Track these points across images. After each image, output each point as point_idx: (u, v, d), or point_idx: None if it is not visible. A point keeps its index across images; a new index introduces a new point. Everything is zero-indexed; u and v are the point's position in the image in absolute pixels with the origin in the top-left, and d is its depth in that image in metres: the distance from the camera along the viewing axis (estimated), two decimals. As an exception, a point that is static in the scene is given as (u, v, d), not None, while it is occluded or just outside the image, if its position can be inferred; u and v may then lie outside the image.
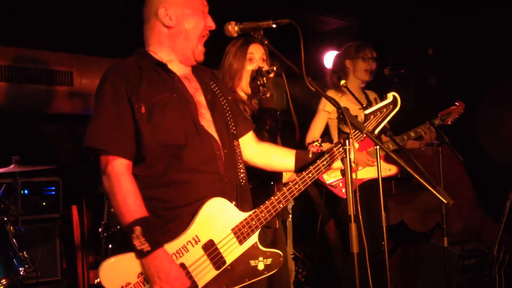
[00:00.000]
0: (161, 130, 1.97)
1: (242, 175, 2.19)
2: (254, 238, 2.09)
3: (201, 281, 1.99)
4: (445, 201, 1.99)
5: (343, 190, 3.53)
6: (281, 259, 2.13)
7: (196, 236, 1.99)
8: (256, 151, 2.35)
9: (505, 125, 4.95)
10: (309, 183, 2.20)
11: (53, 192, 4.66)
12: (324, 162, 2.21)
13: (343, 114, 2.02)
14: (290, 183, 2.17)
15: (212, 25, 2.15)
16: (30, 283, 4.01)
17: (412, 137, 3.74)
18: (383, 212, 2.87)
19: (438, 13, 4.78)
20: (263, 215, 2.09)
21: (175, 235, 1.97)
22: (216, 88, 2.25)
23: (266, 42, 2.03)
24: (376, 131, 2.27)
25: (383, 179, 3.71)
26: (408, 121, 3.94)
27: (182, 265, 1.97)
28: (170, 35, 2.10)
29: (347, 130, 2.01)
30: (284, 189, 2.15)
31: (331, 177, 3.75)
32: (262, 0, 4.39)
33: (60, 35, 4.72)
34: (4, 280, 3.35)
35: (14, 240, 3.54)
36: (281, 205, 2.13)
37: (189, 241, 1.98)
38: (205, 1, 2.16)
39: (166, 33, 2.10)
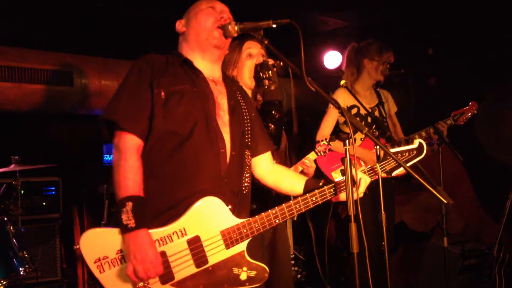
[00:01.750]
0: (172, 117, 2.04)
1: (246, 184, 2.21)
2: (242, 246, 2.08)
3: (179, 274, 1.99)
4: (445, 201, 1.99)
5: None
6: (266, 275, 2.10)
7: (184, 228, 2.00)
8: (269, 171, 2.38)
9: (505, 125, 4.95)
10: (311, 206, 2.17)
11: (53, 192, 4.66)
12: (331, 190, 2.20)
13: (342, 114, 2.02)
14: (291, 201, 2.15)
15: (222, 15, 2.20)
16: (30, 283, 4.01)
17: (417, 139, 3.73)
18: (383, 212, 2.87)
19: (438, 13, 4.78)
20: (256, 225, 2.09)
21: (164, 225, 2.00)
22: (242, 100, 2.32)
23: (266, 42, 2.03)
24: (394, 174, 2.23)
25: (392, 178, 3.73)
26: (408, 121, 3.94)
27: (163, 253, 1.98)
28: (186, 38, 2.24)
29: (347, 130, 2.01)
30: (284, 205, 2.14)
31: (340, 175, 3.73)
32: (263, 0, 4.38)
33: (60, 35, 4.72)
34: (4, 280, 3.35)
35: (14, 240, 3.54)
36: (277, 221, 2.12)
37: (175, 232, 1.99)
38: (214, 4, 2.25)
39: (183, 39, 2.26)
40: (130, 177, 1.96)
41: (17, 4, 4.31)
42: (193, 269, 2.01)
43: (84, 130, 4.99)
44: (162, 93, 2.04)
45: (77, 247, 1.95)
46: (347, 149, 2.02)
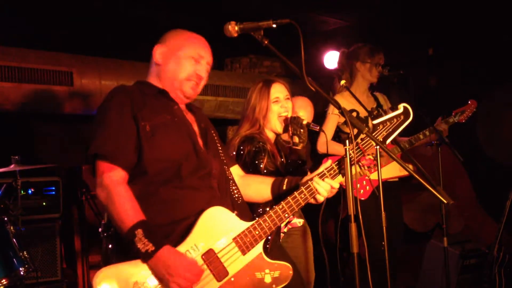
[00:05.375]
0: (162, 149, 2.01)
1: (237, 195, 2.22)
2: (258, 249, 2.02)
3: None
4: (445, 201, 1.99)
5: (361, 191, 3.56)
6: (290, 272, 2.05)
7: (195, 245, 1.93)
8: (238, 184, 2.36)
9: (505, 125, 4.95)
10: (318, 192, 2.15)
11: (53, 192, 4.65)
12: (331, 172, 2.17)
13: (343, 114, 2.02)
14: (295, 192, 2.13)
15: (201, 74, 2.21)
16: (30, 283, 4.01)
17: (421, 139, 3.73)
18: (383, 213, 2.87)
19: (438, 13, 4.78)
20: (267, 224, 2.04)
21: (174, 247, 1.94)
22: (206, 124, 2.32)
23: (266, 42, 2.03)
24: (388, 141, 2.20)
25: (399, 179, 3.75)
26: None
27: None
28: (158, 71, 2.21)
29: (347, 130, 2.01)
30: (289, 198, 2.10)
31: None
32: (262, 0, 4.39)
33: (60, 35, 4.73)
34: (4, 280, 3.34)
35: (14, 240, 3.53)
36: (286, 215, 2.07)
37: (188, 251, 1.92)
38: (204, 53, 2.22)
39: (156, 70, 2.22)
40: (128, 207, 1.91)
41: (18, 4, 4.31)
42: (215, 284, 1.93)
43: (84, 130, 4.99)
44: (147, 127, 2.01)
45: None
46: (347, 149, 2.02)
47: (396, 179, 3.78)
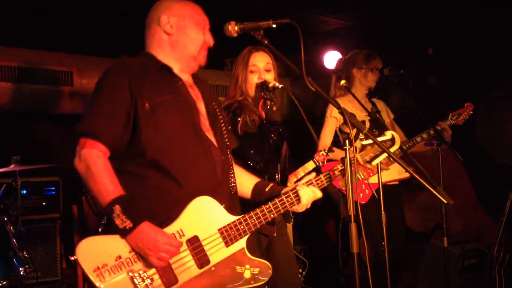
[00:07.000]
0: (161, 130, 1.98)
1: (233, 184, 2.20)
2: (241, 243, 2.06)
3: (182, 275, 1.94)
4: (445, 201, 1.99)
5: (361, 195, 3.57)
6: (269, 271, 2.10)
7: (181, 229, 1.96)
8: None
9: (505, 125, 4.95)
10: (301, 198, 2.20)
11: (53, 192, 4.66)
12: (319, 181, 2.26)
13: (343, 114, 2.02)
14: (282, 195, 2.17)
15: (211, 42, 2.20)
16: (30, 283, 4.01)
17: (419, 142, 3.74)
18: (383, 212, 2.87)
19: (438, 13, 4.78)
20: (252, 221, 2.08)
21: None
22: (214, 102, 2.29)
23: (266, 42, 2.03)
24: (373, 163, 2.31)
25: (399, 182, 3.76)
26: (408, 121, 3.94)
27: None
28: (170, 42, 2.14)
29: (347, 130, 2.02)
30: (276, 200, 2.16)
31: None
32: (262, 0, 4.39)
33: (60, 35, 4.72)
34: (4, 280, 3.35)
35: (14, 240, 3.53)
36: (272, 215, 2.12)
37: (173, 234, 1.95)
38: (207, 20, 2.21)
39: (166, 40, 2.15)
40: (107, 181, 1.88)
41: (17, 4, 4.31)
42: (196, 270, 1.97)
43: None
44: (147, 105, 1.96)
45: (74, 258, 1.89)
46: (347, 149, 2.02)
47: (396, 182, 3.78)
